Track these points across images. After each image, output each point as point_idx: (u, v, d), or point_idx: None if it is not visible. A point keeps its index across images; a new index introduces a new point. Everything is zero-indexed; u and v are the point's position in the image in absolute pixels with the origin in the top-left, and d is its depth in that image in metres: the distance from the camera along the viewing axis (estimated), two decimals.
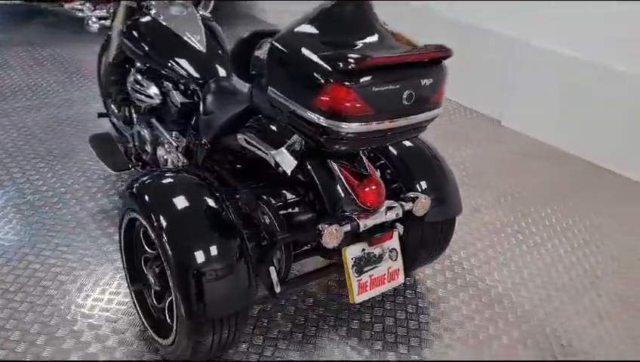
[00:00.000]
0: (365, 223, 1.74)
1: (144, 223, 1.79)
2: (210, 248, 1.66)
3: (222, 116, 2.13)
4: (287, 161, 1.80)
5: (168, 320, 1.89)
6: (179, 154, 2.37)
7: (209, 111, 2.24)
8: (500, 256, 2.67)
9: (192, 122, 2.41)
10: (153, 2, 2.65)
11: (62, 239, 2.54)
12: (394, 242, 1.87)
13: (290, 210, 1.89)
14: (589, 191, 3.34)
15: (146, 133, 2.64)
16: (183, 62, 2.44)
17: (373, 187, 1.77)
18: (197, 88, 2.41)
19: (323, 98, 1.49)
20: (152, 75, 2.57)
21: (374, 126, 1.55)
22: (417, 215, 1.88)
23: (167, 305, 1.90)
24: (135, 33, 2.60)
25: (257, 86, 1.94)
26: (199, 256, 1.64)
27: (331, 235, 1.66)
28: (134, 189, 1.85)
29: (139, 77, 2.59)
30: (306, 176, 1.83)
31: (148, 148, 2.65)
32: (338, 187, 1.76)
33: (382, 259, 1.85)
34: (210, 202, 1.76)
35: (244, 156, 2.16)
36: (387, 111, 1.55)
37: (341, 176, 1.77)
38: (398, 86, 1.53)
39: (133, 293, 2.06)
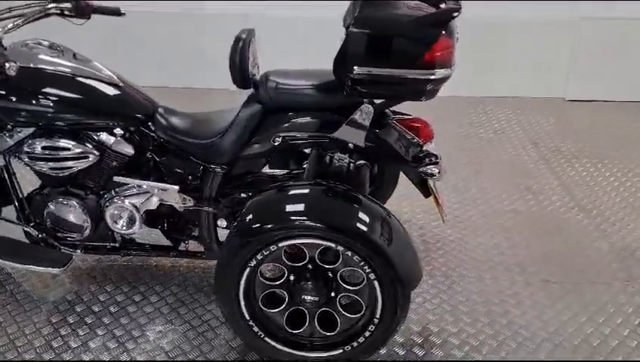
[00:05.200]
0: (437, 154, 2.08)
1: (307, 239, 1.77)
2: (388, 225, 1.80)
3: (231, 133, 2.02)
4: (356, 135, 1.94)
5: (323, 331, 1.90)
6: (182, 195, 2.07)
7: (203, 137, 2.05)
8: None
9: (161, 161, 2.12)
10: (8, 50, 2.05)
11: None
12: None
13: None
14: None
15: (76, 205, 2.12)
16: (117, 104, 2.09)
17: (422, 125, 2.10)
18: (142, 126, 2.11)
19: (432, 52, 1.74)
20: (67, 134, 2.06)
21: (453, 67, 1.87)
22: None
23: (317, 315, 1.90)
24: (18, 94, 1.99)
25: (267, 87, 1.98)
26: (387, 233, 1.77)
27: (442, 169, 1.97)
28: (282, 215, 1.80)
29: (49, 143, 2.03)
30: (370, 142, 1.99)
31: (85, 222, 2.14)
32: (405, 136, 2.03)
33: (435, 182, 2.23)
34: (352, 192, 1.86)
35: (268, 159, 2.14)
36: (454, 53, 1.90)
37: (401, 127, 2.04)
38: (455, 31, 1.89)
39: (278, 342, 1.93)
